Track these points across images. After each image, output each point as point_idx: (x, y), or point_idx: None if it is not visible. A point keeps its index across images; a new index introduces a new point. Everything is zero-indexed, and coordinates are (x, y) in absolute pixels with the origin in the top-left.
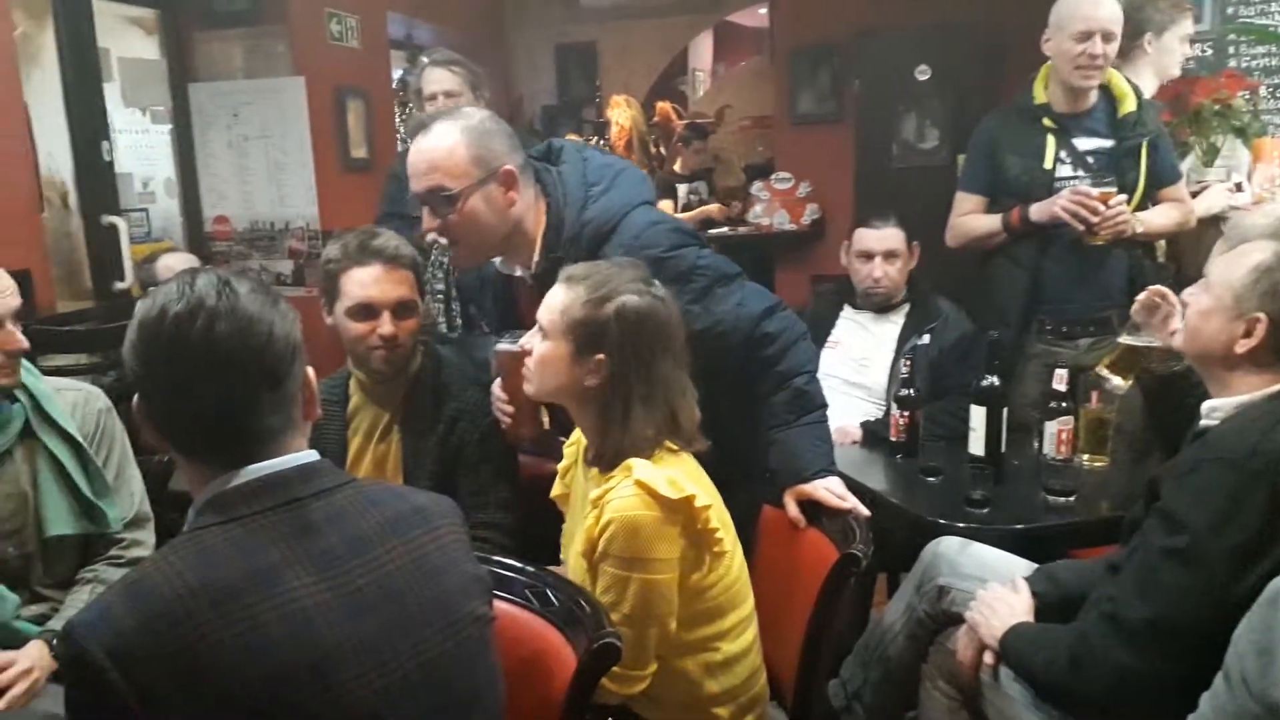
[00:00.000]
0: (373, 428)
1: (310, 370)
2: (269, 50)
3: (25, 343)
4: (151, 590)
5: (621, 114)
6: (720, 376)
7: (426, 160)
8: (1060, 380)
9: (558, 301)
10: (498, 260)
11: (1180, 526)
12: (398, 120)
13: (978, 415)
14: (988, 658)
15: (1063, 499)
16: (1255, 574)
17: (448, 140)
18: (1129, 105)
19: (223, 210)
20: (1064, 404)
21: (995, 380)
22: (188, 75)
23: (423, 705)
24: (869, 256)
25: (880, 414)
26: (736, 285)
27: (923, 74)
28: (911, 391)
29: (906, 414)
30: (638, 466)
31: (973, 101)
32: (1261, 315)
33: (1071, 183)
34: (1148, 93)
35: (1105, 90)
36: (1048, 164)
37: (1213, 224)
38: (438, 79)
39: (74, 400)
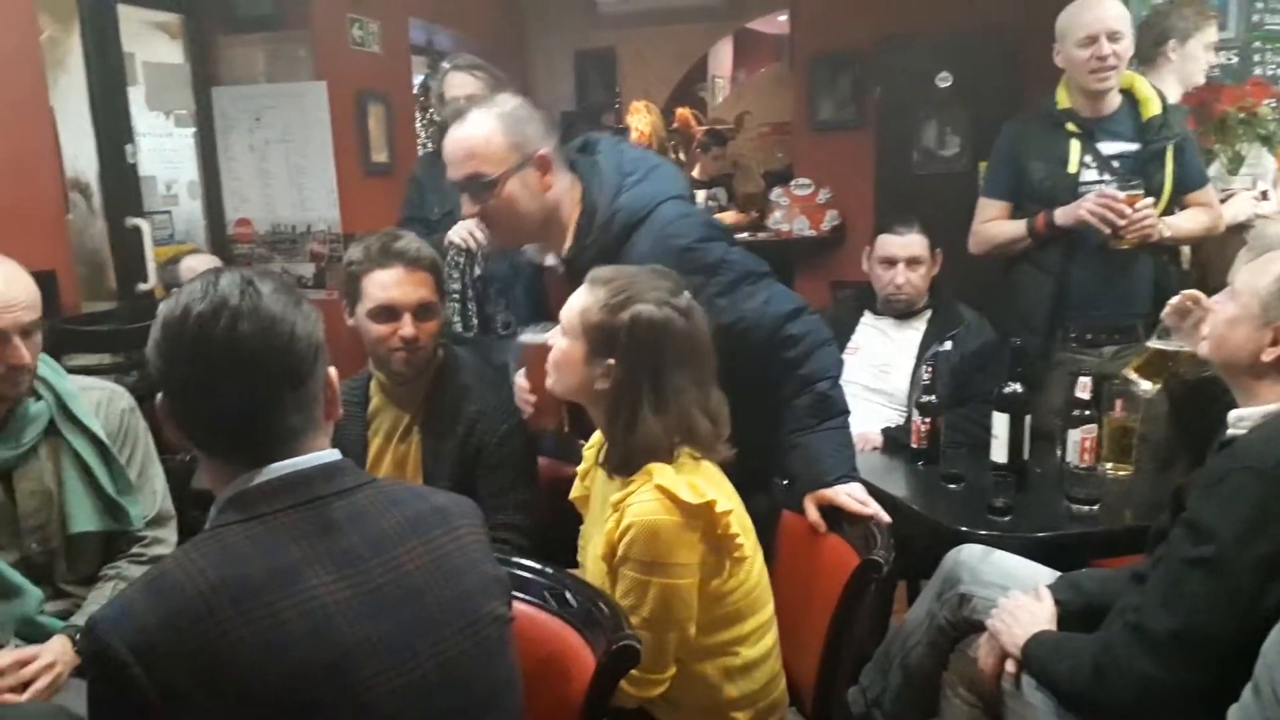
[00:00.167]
0: (393, 429)
1: (333, 370)
2: (291, 55)
3: (27, 358)
4: (173, 587)
5: (641, 120)
6: (740, 376)
7: (464, 148)
8: (1084, 388)
9: (578, 302)
10: (530, 250)
11: (1207, 536)
12: (418, 125)
13: (1000, 422)
14: (1009, 666)
15: (1086, 508)
16: None
17: (484, 127)
18: (1153, 108)
19: (245, 213)
20: (1088, 412)
21: (1018, 387)
22: (211, 79)
23: (441, 705)
24: (892, 263)
25: (901, 420)
26: (764, 284)
27: (944, 81)
28: (933, 398)
29: (928, 421)
30: (658, 471)
31: (994, 108)
32: None
33: (1096, 187)
34: (1172, 100)
35: (1129, 94)
36: (1072, 168)
37: (1237, 232)
38: (459, 83)
39: (98, 399)
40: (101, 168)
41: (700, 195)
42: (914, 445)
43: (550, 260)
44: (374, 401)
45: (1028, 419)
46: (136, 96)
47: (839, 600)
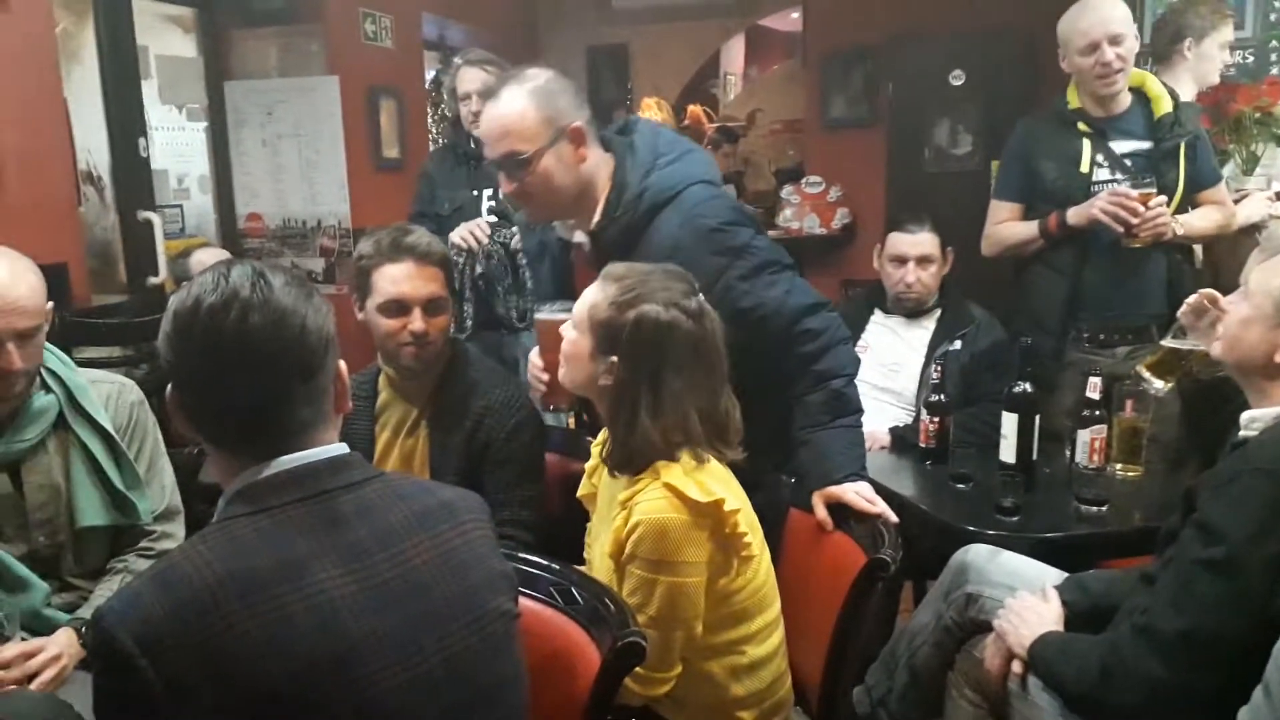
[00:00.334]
0: (401, 423)
1: (342, 364)
2: (304, 49)
3: (17, 364)
4: (180, 579)
5: (653, 116)
6: (754, 366)
7: (499, 126)
8: (1094, 388)
9: (589, 297)
10: (559, 226)
11: (1218, 537)
12: (430, 120)
13: (1009, 422)
14: (1016, 666)
15: (1095, 508)
16: None
17: (517, 104)
18: (1164, 106)
19: (255, 207)
20: (1098, 412)
21: (1028, 387)
22: (224, 73)
23: (446, 700)
24: (902, 261)
25: (909, 420)
26: (786, 275)
27: (956, 79)
28: (942, 397)
29: (937, 420)
30: (667, 470)
31: (1007, 107)
32: None
33: (1109, 186)
34: (1186, 99)
35: (1140, 93)
36: (1084, 168)
37: (1251, 232)
38: (471, 78)
39: (108, 392)
40: (114, 161)
41: None
42: (922, 444)
43: (579, 237)
44: (382, 396)
45: (1037, 419)
46: (150, 90)
47: (845, 599)
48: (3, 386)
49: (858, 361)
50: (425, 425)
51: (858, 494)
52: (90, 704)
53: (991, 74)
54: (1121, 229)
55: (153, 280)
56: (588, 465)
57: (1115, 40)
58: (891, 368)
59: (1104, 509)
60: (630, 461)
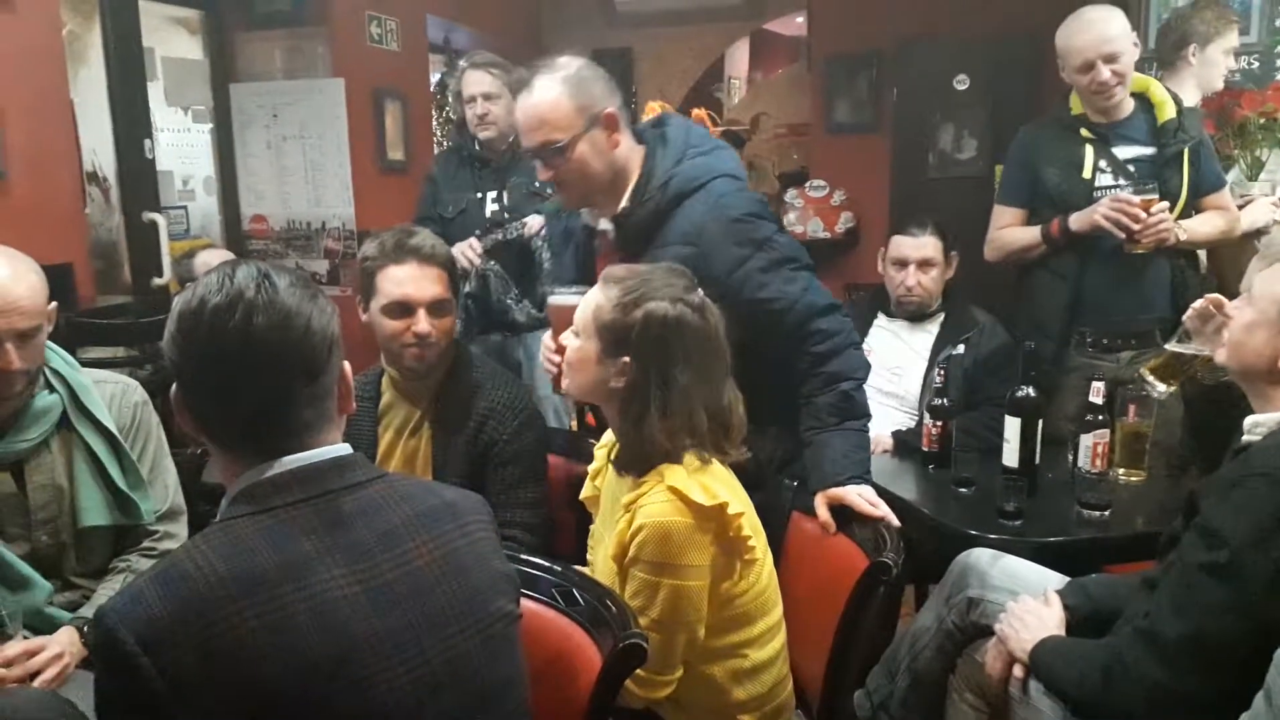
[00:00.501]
0: (404, 424)
1: (346, 364)
2: (309, 51)
3: (16, 364)
4: (183, 578)
5: None
6: (764, 359)
7: (535, 116)
8: (1097, 393)
9: (591, 301)
10: (586, 213)
11: (1220, 542)
12: (435, 123)
13: (1012, 426)
14: (1017, 671)
15: (1097, 513)
16: None
17: (551, 94)
18: (1168, 112)
19: (260, 209)
20: (1100, 416)
21: (1031, 391)
22: (229, 75)
23: (447, 701)
24: (904, 264)
25: (912, 424)
26: (805, 274)
27: (961, 84)
28: (945, 401)
29: (939, 424)
30: (671, 472)
31: (1011, 112)
32: None
33: (1112, 191)
34: (1190, 104)
35: (1144, 98)
36: (1087, 174)
37: (1255, 237)
38: (476, 81)
39: (111, 393)
40: (119, 162)
41: None
42: (925, 448)
43: (604, 224)
44: (385, 397)
45: (1040, 423)
46: (155, 92)
47: (847, 603)
48: (2, 386)
49: (868, 367)
50: (428, 426)
51: (860, 496)
52: (92, 703)
53: (996, 79)
54: (1123, 235)
55: (157, 281)
56: (590, 468)
57: (1110, 58)
58: (895, 371)
59: (1106, 514)
60: (639, 461)
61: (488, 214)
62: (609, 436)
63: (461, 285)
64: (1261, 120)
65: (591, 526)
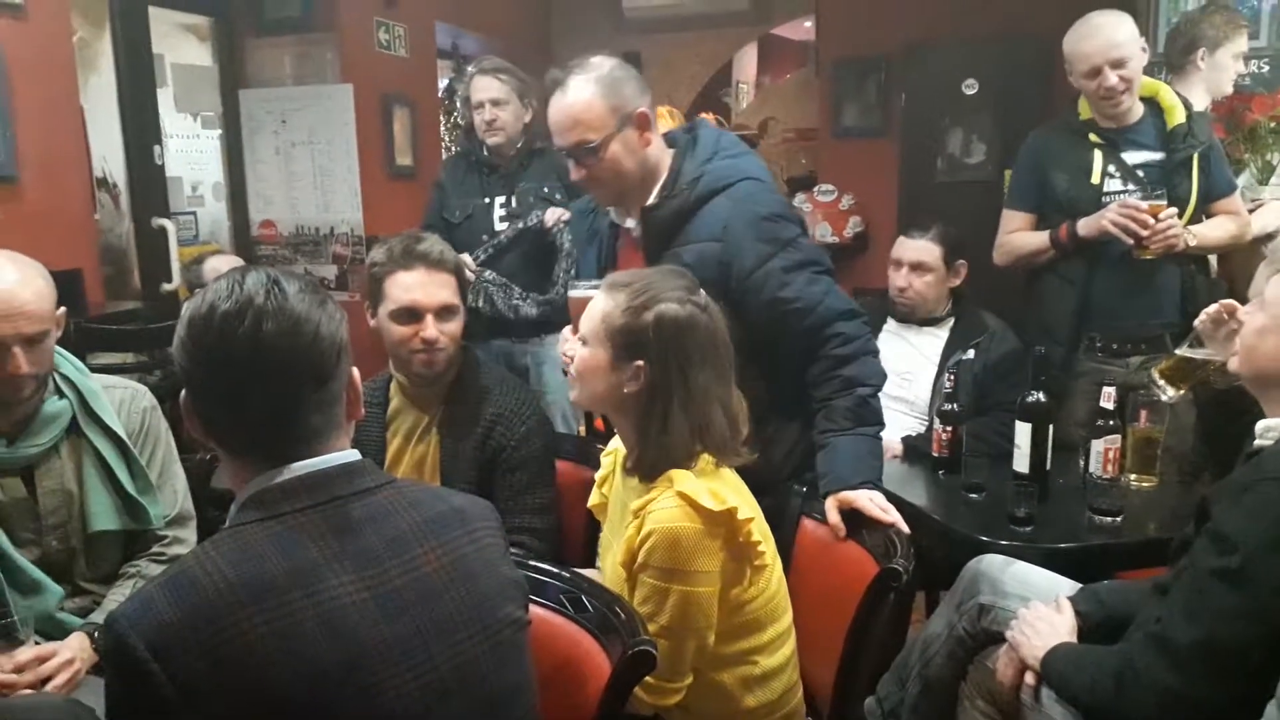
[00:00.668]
0: (412, 430)
1: (355, 370)
2: (318, 57)
3: (24, 368)
4: (192, 584)
5: (665, 125)
6: (778, 363)
7: (568, 116)
8: (1108, 398)
9: (598, 308)
10: (613, 211)
11: (1232, 547)
12: (443, 128)
13: (1023, 432)
14: (1028, 678)
15: (1108, 519)
16: None
17: (585, 94)
18: (1178, 117)
19: (269, 215)
20: (1112, 422)
21: (1041, 396)
22: (238, 81)
23: (456, 708)
24: (899, 265)
25: (922, 429)
26: (827, 279)
27: (970, 88)
28: (955, 407)
29: (950, 429)
30: (680, 478)
31: (1020, 116)
32: None
33: (1120, 197)
34: (1199, 109)
35: (1153, 103)
36: (1095, 179)
37: (1266, 242)
38: (485, 86)
39: (121, 398)
40: (129, 168)
41: None
42: (935, 454)
43: (630, 222)
44: (393, 403)
45: (1051, 429)
46: (165, 98)
47: (857, 609)
48: (10, 391)
49: (885, 376)
50: (436, 432)
51: (871, 501)
52: (103, 708)
53: (1005, 83)
54: (1131, 241)
55: (166, 287)
56: (598, 475)
57: (1118, 64)
58: (904, 377)
59: (1118, 520)
60: (658, 465)
61: (495, 219)
62: (616, 443)
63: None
64: (1272, 124)
65: (601, 534)
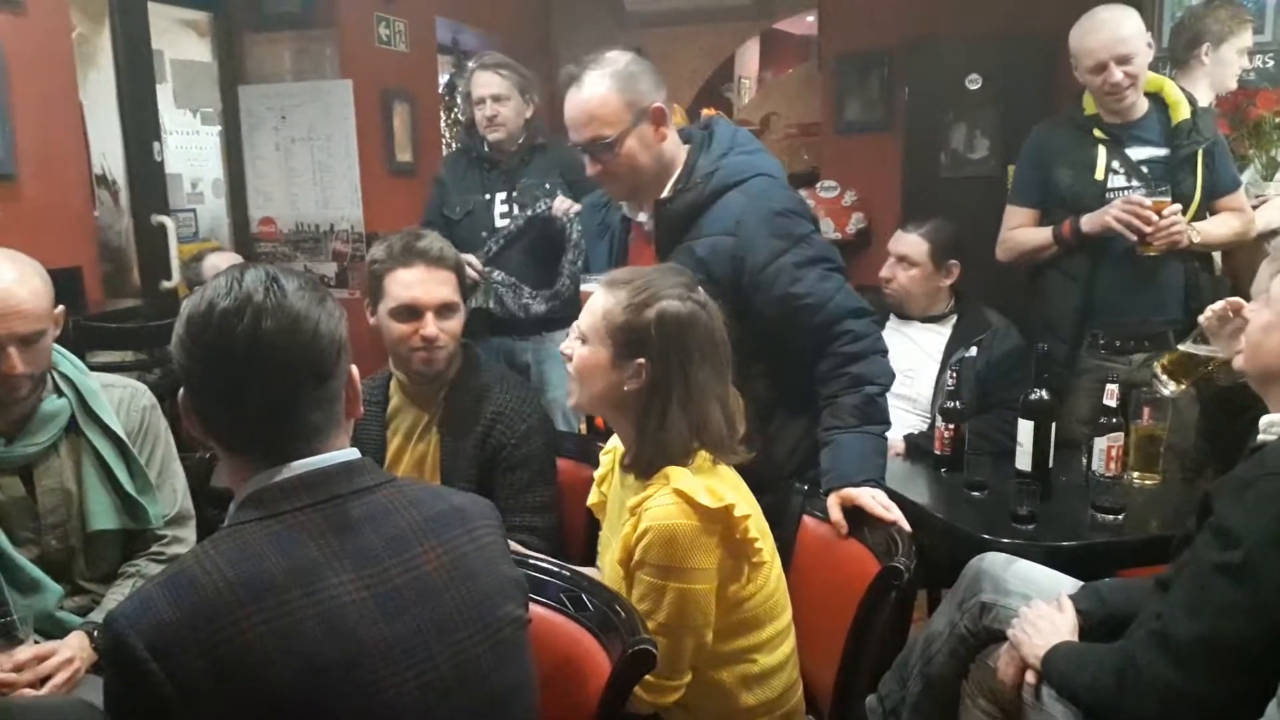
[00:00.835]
0: (412, 428)
1: (354, 368)
2: (317, 53)
3: (19, 369)
4: (191, 583)
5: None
6: (786, 359)
7: (584, 112)
8: (1111, 395)
9: (598, 306)
10: (626, 206)
11: (1234, 542)
12: (443, 124)
13: (1025, 430)
14: (1030, 676)
15: (1111, 517)
16: None
17: (600, 89)
18: (1182, 113)
19: (268, 211)
20: (1114, 419)
21: (1044, 394)
22: (238, 77)
23: (456, 706)
24: (890, 257)
25: (924, 427)
26: (838, 276)
27: (973, 83)
28: (957, 404)
29: (952, 427)
30: (676, 475)
31: (1024, 111)
32: None
33: (1124, 193)
34: (1203, 104)
35: (1157, 99)
36: (1099, 174)
37: (1270, 239)
38: (485, 82)
39: (120, 397)
40: (128, 165)
41: None
42: (937, 452)
43: (642, 216)
44: (393, 401)
45: (1053, 426)
46: (164, 94)
47: (858, 607)
48: (5, 391)
49: (893, 376)
50: (436, 430)
51: (873, 499)
52: (102, 707)
53: (1009, 78)
54: (1135, 237)
55: (166, 284)
56: (597, 474)
57: (1123, 60)
58: (906, 374)
59: (1120, 517)
60: (657, 462)
61: (496, 215)
62: (615, 441)
63: (471, 300)
64: (1276, 120)
65: (600, 533)
